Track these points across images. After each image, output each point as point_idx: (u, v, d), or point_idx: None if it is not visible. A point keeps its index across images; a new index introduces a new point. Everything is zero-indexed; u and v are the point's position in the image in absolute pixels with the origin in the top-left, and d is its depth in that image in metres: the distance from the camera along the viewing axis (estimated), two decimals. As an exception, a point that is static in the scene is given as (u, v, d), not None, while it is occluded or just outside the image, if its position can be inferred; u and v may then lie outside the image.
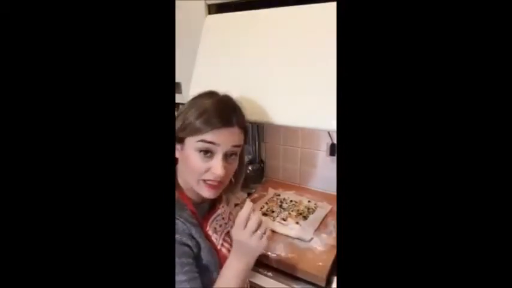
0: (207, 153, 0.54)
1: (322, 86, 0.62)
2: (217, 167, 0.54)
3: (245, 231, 0.54)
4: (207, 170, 0.55)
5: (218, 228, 0.63)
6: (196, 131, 0.54)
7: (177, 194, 0.59)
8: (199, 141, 0.54)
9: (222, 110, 0.56)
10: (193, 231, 0.56)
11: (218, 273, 0.57)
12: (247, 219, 0.55)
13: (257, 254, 0.57)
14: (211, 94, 0.59)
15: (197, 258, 0.56)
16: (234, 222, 0.70)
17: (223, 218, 0.66)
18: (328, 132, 1.03)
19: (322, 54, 0.63)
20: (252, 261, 0.56)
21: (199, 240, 0.56)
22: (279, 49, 0.69)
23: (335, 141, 1.03)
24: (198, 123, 0.54)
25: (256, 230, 0.55)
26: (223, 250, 0.61)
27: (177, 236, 0.53)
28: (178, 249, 0.52)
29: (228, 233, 0.65)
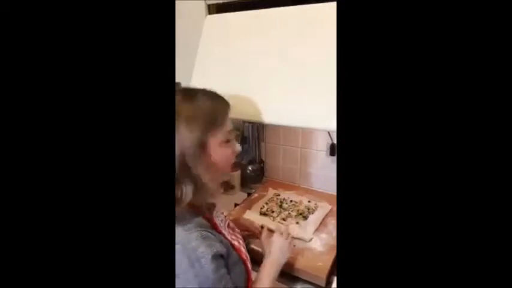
0: (228, 141, 0.58)
1: (322, 86, 0.62)
2: (237, 145, 0.61)
3: (285, 239, 0.70)
4: (234, 153, 0.60)
5: (221, 224, 0.64)
6: (215, 125, 0.55)
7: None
8: (224, 133, 0.56)
9: (215, 96, 0.58)
10: (219, 237, 0.57)
11: (239, 268, 0.59)
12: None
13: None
14: (202, 93, 0.58)
15: (227, 261, 0.57)
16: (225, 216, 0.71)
17: (222, 212, 0.68)
18: (328, 132, 1.03)
19: (322, 54, 0.63)
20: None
21: (225, 242, 0.58)
22: (279, 49, 0.69)
23: (335, 141, 1.03)
24: (213, 117, 0.55)
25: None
26: (236, 243, 0.62)
27: (213, 248, 0.52)
28: (216, 262, 0.52)
29: (228, 226, 0.67)
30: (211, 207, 0.64)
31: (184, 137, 0.51)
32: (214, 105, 0.55)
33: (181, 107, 0.52)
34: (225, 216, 0.68)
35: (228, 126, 0.57)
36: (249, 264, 0.63)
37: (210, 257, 0.51)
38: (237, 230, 0.70)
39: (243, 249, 0.64)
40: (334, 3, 0.62)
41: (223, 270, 0.53)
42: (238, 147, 0.61)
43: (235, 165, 0.66)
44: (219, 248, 0.54)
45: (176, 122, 0.49)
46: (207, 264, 0.50)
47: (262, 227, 0.82)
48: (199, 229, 0.53)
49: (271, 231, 0.85)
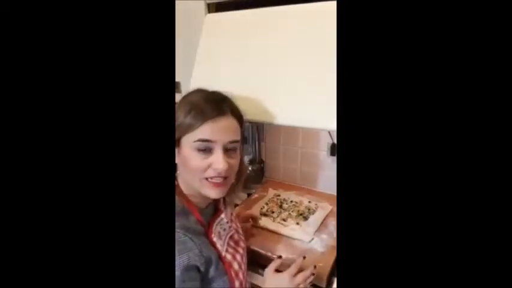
0: (206, 150, 0.53)
1: (322, 86, 0.62)
2: (218, 161, 0.53)
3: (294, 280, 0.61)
4: (209, 167, 0.53)
5: (222, 233, 0.62)
6: (189, 128, 0.52)
7: (181, 201, 0.57)
8: (196, 141, 0.52)
9: (212, 100, 0.55)
10: (203, 246, 0.53)
11: (223, 281, 0.57)
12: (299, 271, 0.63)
13: None
14: (199, 91, 0.58)
15: (205, 273, 0.54)
16: (236, 224, 0.70)
17: (227, 222, 0.64)
18: (329, 132, 1.03)
19: (323, 54, 0.63)
20: None
21: (209, 252, 0.55)
22: (279, 48, 0.69)
23: (336, 141, 1.03)
24: (189, 118, 0.52)
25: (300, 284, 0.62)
26: (228, 256, 0.60)
27: (185, 257, 0.50)
28: (185, 273, 0.50)
29: (231, 237, 0.64)
30: (215, 214, 0.63)
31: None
32: (193, 107, 0.53)
33: (186, 96, 0.57)
34: (230, 227, 0.65)
35: (201, 135, 0.52)
36: (237, 283, 0.59)
37: (180, 268, 0.49)
38: (241, 244, 0.67)
39: (236, 266, 0.60)
40: (334, 3, 0.61)
41: (192, 284, 0.50)
42: (218, 165, 0.52)
43: (220, 187, 0.56)
44: (193, 258, 0.51)
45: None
46: (176, 274, 0.48)
47: (280, 256, 0.68)
48: (180, 231, 0.51)
49: (272, 232, 0.85)
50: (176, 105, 0.56)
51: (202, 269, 0.53)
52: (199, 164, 0.53)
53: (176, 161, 0.57)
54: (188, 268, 0.50)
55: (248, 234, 0.81)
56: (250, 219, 0.87)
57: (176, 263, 0.49)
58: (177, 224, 0.52)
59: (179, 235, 0.51)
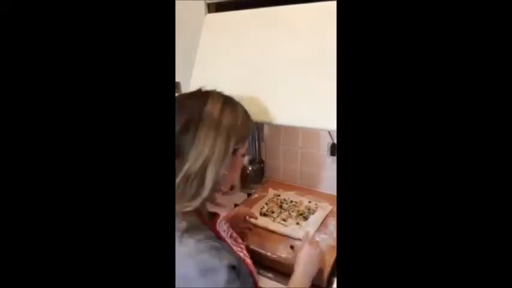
0: (243, 155, 0.62)
1: (323, 86, 0.62)
2: (245, 159, 0.69)
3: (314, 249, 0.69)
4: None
5: (223, 234, 0.63)
6: (247, 137, 0.60)
7: (197, 216, 0.58)
8: (247, 148, 0.61)
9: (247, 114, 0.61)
10: (228, 248, 0.57)
11: (249, 281, 0.58)
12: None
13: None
14: (234, 104, 0.58)
15: (238, 272, 0.55)
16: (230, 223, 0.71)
17: (225, 223, 0.66)
18: (329, 132, 1.03)
19: (323, 54, 0.63)
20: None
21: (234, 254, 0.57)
22: (279, 48, 0.69)
23: (336, 141, 1.03)
24: (246, 128, 0.58)
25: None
26: (241, 255, 0.62)
27: (225, 260, 0.51)
28: (229, 274, 0.51)
29: (231, 236, 0.65)
30: (215, 216, 0.64)
31: (219, 143, 0.52)
32: (248, 119, 0.59)
33: (225, 114, 0.54)
34: (228, 227, 0.67)
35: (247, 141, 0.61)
36: (256, 277, 0.61)
37: (225, 268, 0.50)
38: (239, 240, 0.68)
39: (249, 260, 0.63)
40: (334, 3, 0.61)
41: (237, 283, 0.52)
42: (245, 161, 0.66)
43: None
44: (231, 260, 0.53)
45: (214, 126, 0.52)
46: (222, 275, 0.50)
47: (292, 247, 0.78)
48: (210, 240, 0.53)
49: (272, 232, 0.85)
50: (230, 118, 0.56)
51: (237, 269, 0.55)
52: (242, 164, 0.63)
53: (226, 171, 0.56)
54: (231, 269, 0.52)
55: (245, 236, 0.82)
56: (249, 218, 0.87)
57: (222, 266, 0.50)
58: (201, 236, 0.53)
59: (211, 242, 0.53)
